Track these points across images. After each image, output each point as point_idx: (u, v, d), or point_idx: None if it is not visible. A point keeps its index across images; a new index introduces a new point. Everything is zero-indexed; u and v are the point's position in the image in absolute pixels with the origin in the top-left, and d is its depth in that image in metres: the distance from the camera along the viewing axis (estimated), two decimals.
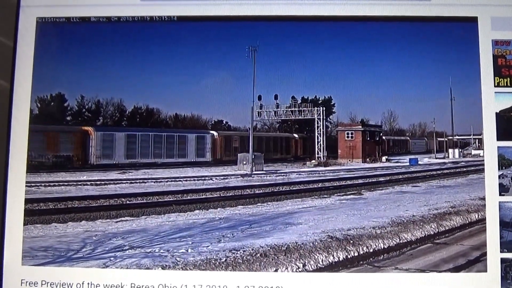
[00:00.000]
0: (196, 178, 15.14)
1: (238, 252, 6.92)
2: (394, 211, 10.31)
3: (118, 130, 16.40)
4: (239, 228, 8.70)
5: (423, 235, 8.38)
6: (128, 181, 14.09)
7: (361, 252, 7.37)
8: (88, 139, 15.87)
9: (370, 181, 15.67)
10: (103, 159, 16.13)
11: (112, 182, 13.82)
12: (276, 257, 6.71)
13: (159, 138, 16.94)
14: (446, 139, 21.24)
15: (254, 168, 16.69)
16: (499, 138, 5.16)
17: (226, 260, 6.53)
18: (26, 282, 5.03)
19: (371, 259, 7.27)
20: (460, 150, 21.25)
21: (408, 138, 22.96)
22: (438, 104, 16.39)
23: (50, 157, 15.01)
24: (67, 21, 5.62)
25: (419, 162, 20.37)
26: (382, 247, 7.66)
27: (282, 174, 16.83)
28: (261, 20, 5.69)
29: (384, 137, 22.00)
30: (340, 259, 7.05)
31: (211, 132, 18.53)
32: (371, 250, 7.50)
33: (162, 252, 6.83)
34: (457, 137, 20.86)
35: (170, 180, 14.62)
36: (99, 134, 15.92)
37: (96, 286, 4.99)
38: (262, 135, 20.58)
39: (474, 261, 5.99)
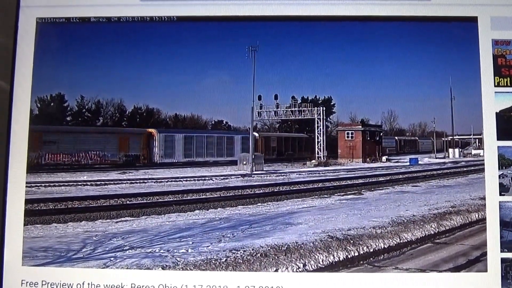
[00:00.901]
0: (196, 178, 15.15)
1: (239, 252, 6.92)
2: (394, 211, 10.32)
3: (177, 132, 17.90)
4: (239, 228, 8.70)
5: (423, 235, 8.38)
6: (128, 181, 14.10)
7: (361, 252, 7.37)
8: (152, 140, 17.40)
9: (370, 181, 15.67)
10: (166, 158, 17.66)
11: (112, 182, 13.83)
12: (276, 257, 6.71)
13: (211, 139, 18.44)
14: (449, 139, 21.29)
15: (254, 168, 16.70)
16: (499, 137, 5.16)
17: (226, 260, 6.54)
18: (26, 282, 5.03)
19: (371, 259, 7.27)
20: (460, 149, 21.27)
21: (417, 138, 23.38)
22: (438, 104, 16.40)
23: (121, 156, 16.75)
24: (67, 22, 5.62)
25: (419, 162, 20.37)
26: (382, 247, 7.66)
27: (282, 174, 16.83)
28: (261, 20, 5.69)
29: (396, 138, 22.96)
30: (341, 259, 7.05)
31: (254, 133, 19.58)
32: (371, 250, 7.50)
33: (162, 252, 6.83)
34: (457, 136, 20.87)
35: (170, 180, 14.63)
36: (161, 135, 17.44)
37: (97, 287, 4.98)
38: (289, 136, 21.66)
39: (474, 261, 5.99)
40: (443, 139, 21.79)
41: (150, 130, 17.46)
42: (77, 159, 15.60)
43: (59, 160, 15.45)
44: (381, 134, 21.46)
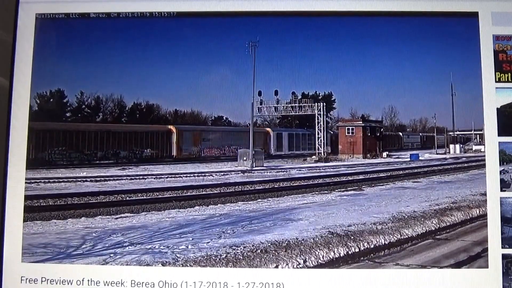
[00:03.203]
0: (196, 174, 15.14)
1: (239, 248, 6.92)
2: (395, 206, 10.30)
3: (284, 130, 22.44)
4: (240, 224, 8.69)
5: (424, 231, 8.38)
6: (128, 177, 14.09)
7: (362, 248, 7.36)
8: (268, 136, 21.56)
9: (370, 176, 15.64)
10: (277, 151, 21.82)
11: (112, 178, 13.81)
12: (276, 253, 6.71)
13: (304, 135, 22.21)
14: (454, 134, 21.38)
15: (254, 164, 16.68)
16: (500, 133, 5.16)
17: (226, 256, 6.53)
18: (26, 279, 5.03)
19: (372, 255, 7.27)
20: (461, 145, 21.27)
21: (435, 134, 24.03)
22: (439, 100, 16.34)
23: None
24: (66, 17, 5.61)
25: (420, 158, 20.36)
26: (383, 243, 7.66)
27: (283, 170, 16.82)
28: (262, 16, 5.67)
29: (420, 134, 25.37)
30: (341, 255, 7.05)
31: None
32: (372, 246, 7.50)
33: (162, 249, 6.82)
34: (458, 132, 20.87)
35: (170, 176, 14.61)
36: (274, 133, 21.66)
37: (96, 283, 4.98)
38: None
39: (476, 257, 5.98)
40: (451, 134, 21.91)
41: (267, 129, 21.61)
42: (224, 152, 19.66)
43: (212, 153, 19.74)
44: (382, 129, 21.44)
